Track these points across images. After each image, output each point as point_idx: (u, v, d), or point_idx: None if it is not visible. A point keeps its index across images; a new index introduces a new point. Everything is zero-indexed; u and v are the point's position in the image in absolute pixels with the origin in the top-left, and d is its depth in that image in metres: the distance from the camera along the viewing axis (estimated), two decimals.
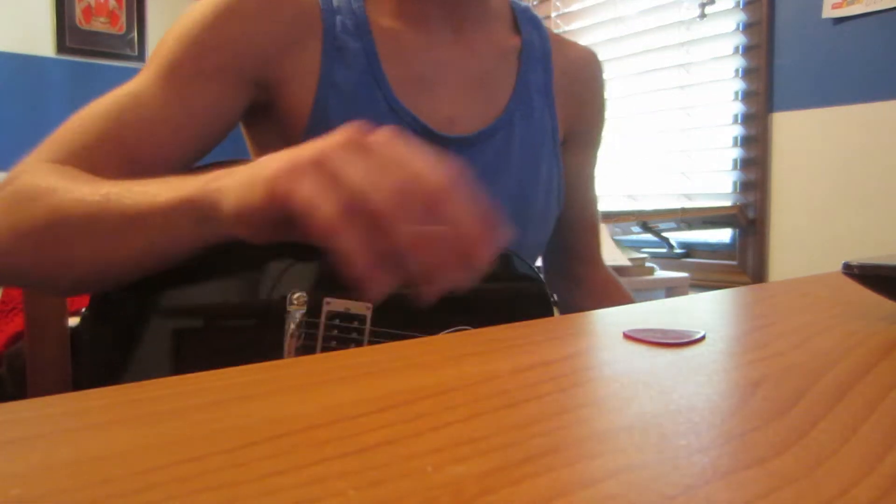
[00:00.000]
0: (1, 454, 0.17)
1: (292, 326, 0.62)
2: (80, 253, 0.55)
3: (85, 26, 3.22)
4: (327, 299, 0.64)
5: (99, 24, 3.26)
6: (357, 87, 0.68)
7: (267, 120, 0.69)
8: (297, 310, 0.63)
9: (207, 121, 0.64)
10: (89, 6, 3.23)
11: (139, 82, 0.63)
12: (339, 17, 0.69)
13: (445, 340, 0.31)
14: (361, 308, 0.65)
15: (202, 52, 0.64)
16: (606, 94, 0.85)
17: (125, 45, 3.32)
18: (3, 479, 0.15)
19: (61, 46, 3.15)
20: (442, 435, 0.18)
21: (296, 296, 0.63)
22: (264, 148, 0.71)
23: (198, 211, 0.48)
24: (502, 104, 0.75)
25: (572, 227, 0.86)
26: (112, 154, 0.61)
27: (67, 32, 3.17)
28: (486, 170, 0.73)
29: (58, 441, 0.18)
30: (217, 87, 0.64)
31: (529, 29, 0.80)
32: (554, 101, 0.79)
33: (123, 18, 3.32)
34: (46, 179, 0.55)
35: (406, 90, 0.70)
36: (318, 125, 0.67)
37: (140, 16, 3.35)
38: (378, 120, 0.68)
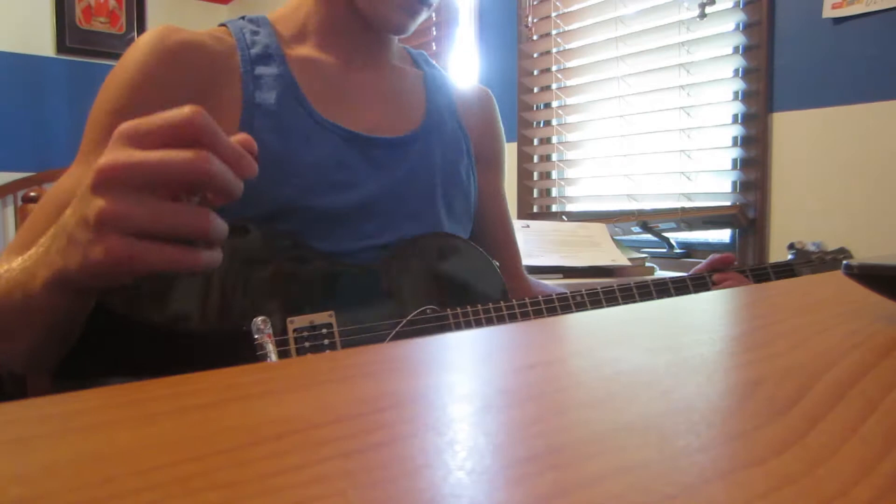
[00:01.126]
0: (1, 454, 0.17)
1: (270, 348, 0.63)
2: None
3: (85, 26, 3.22)
4: (290, 318, 0.66)
5: (99, 24, 3.26)
6: (279, 106, 0.74)
7: None
8: (264, 333, 0.65)
9: None
10: (89, 6, 3.23)
11: (74, 169, 0.68)
12: (252, 51, 0.76)
13: (444, 341, 0.31)
14: (325, 317, 0.68)
15: (120, 121, 0.65)
16: (501, 125, 0.97)
17: (125, 45, 3.32)
18: (3, 479, 0.15)
19: (61, 46, 3.16)
20: (442, 435, 0.18)
21: (260, 320, 0.64)
22: None
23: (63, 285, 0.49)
24: (417, 121, 0.84)
25: (496, 242, 0.93)
26: None
27: (67, 32, 3.17)
28: (412, 170, 0.81)
29: (58, 441, 0.18)
30: None
31: (427, 67, 0.91)
32: (463, 124, 0.90)
33: (123, 18, 3.32)
34: None
35: (327, 106, 0.77)
36: None
37: (140, 16, 3.36)
38: (304, 133, 0.75)
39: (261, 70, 0.75)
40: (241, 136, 0.46)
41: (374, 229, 0.76)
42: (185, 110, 0.42)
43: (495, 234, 0.93)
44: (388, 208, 0.77)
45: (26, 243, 0.62)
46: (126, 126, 0.43)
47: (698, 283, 0.82)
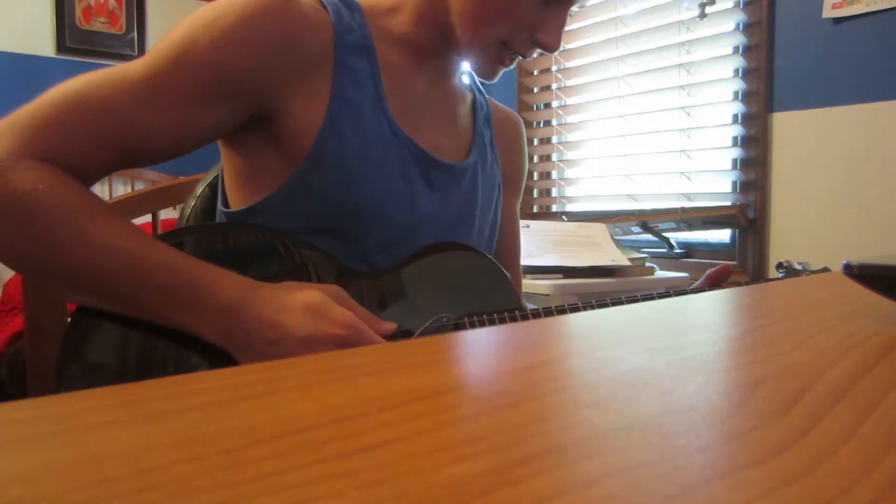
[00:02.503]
0: (1, 454, 0.17)
1: None
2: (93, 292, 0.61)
3: (85, 26, 3.22)
4: None
5: (99, 24, 3.26)
6: (364, 104, 0.72)
7: (262, 130, 0.70)
8: None
9: (204, 134, 0.68)
10: (89, 6, 3.23)
11: (140, 81, 0.63)
12: (348, 38, 0.72)
13: (444, 340, 0.31)
14: None
15: (211, 76, 0.64)
16: (527, 154, 1.00)
17: (125, 45, 3.32)
18: (3, 479, 0.15)
19: (61, 46, 3.16)
20: (442, 435, 0.18)
21: None
22: (250, 154, 0.72)
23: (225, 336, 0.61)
24: (466, 146, 0.85)
25: (505, 259, 0.95)
26: (104, 152, 0.63)
27: (67, 32, 3.17)
28: (462, 199, 0.81)
29: (58, 441, 0.18)
30: (221, 109, 0.66)
31: (478, 92, 0.91)
32: (497, 155, 0.91)
33: (123, 18, 3.32)
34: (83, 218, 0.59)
35: (402, 115, 0.76)
36: (330, 137, 0.70)
37: (140, 16, 3.35)
38: (381, 138, 0.73)
39: (353, 61, 0.72)
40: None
41: (419, 248, 0.76)
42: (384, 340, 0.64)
43: (503, 254, 0.94)
44: (436, 231, 0.77)
45: (67, 140, 0.60)
46: (362, 335, 0.62)
47: None
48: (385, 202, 0.72)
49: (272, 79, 0.67)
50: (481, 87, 0.92)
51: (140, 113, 0.62)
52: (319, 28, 0.70)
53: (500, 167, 0.91)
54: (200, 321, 0.59)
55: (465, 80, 0.89)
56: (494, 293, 0.78)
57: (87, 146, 0.61)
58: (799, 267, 0.88)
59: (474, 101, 0.89)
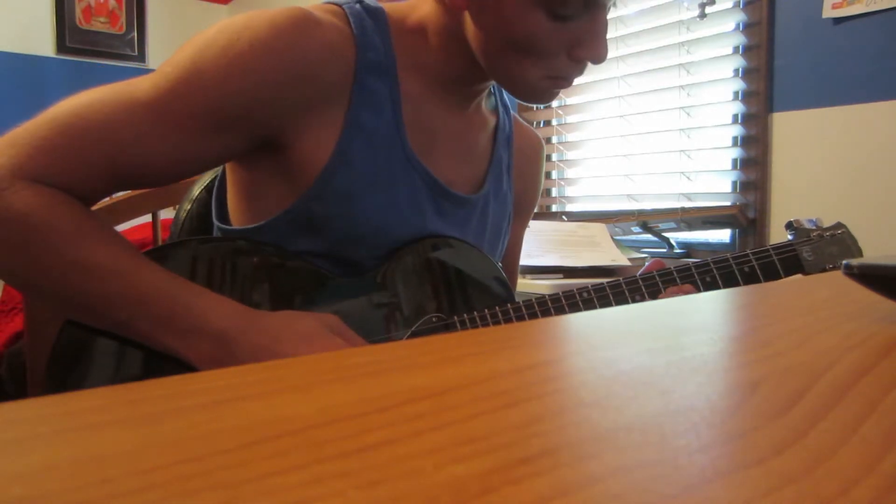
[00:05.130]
0: (1, 454, 0.17)
1: None
2: (82, 309, 0.61)
3: (85, 26, 3.22)
4: None
5: (99, 24, 3.26)
6: (380, 130, 0.70)
7: (270, 154, 0.69)
8: None
9: (207, 162, 0.67)
10: (89, 6, 3.23)
11: (143, 105, 0.61)
12: (370, 54, 0.69)
13: (445, 340, 0.31)
14: None
15: (216, 106, 0.62)
16: (543, 177, 0.98)
17: (125, 45, 3.32)
18: (3, 479, 0.15)
19: (61, 46, 3.16)
20: (442, 435, 0.18)
21: None
22: (255, 175, 0.71)
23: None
24: (480, 177, 0.82)
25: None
26: (103, 176, 0.62)
27: (67, 32, 3.17)
28: (470, 230, 0.80)
29: (58, 441, 0.18)
30: (225, 138, 0.64)
31: (502, 110, 0.88)
32: (513, 181, 0.88)
33: (123, 18, 3.32)
34: (83, 247, 0.58)
35: (418, 143, 0.73)
36: (339, 167, 0.68)
37: (140, 16, 3.35)
38: (394, 165, 0.71)
39: (372, 83, 0.68)
40: None
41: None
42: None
43: (506, 269, 0.94)
44: None
45: (65, 164, 0.59)
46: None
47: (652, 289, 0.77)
48: (391, 231, 0.71)
49: (283, 111, 0.64)
50: (507, 102, 0.90)
51: (140, 140, 0.60)
52: (341, 52, 0.66)
53: (513, 193, 0.88)
54: (190, 348, 0.59)
55: (490, 100, 0.86)
56: (485, 286, 0.78)
57: (85, 171, 0.60)
58: (809, 226, 0.75)
59: (497, 122, 0.86)
